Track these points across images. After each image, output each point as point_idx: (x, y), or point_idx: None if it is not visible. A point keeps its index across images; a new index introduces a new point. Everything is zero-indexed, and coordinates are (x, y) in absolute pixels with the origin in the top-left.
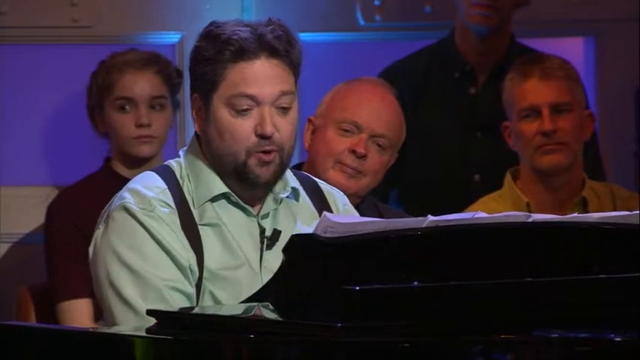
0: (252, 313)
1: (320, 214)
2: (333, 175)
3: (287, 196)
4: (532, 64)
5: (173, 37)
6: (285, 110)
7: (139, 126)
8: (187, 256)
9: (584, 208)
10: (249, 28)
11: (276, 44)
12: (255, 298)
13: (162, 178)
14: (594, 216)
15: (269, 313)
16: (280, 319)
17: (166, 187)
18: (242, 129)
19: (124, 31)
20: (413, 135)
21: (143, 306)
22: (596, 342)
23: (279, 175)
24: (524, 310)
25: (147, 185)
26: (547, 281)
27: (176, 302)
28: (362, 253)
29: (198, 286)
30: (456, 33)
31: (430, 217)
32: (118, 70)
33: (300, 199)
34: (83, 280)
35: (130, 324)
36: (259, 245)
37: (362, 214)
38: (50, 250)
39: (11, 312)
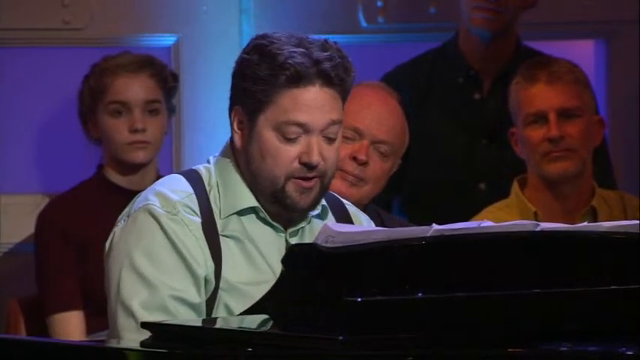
0: (251, 325)
1: None
2: (334, 182)
3: (314, 216)
4: (538, 67)
5: (168, 40)
6: (331, 141)
7: (133, 131)
8: (205, 265)
9: (594, 217)
10: (304, 50)
11: (333, 73)
12: (255, 309)
13: (189, 182)
14: (605, 225)
15: (268, 326)
16: (279, 331)
17: (193, 192)
18: (287, 155)
19: (118, 33)
20: (416, 142)
21: (145, 316)
22: (606, 355)
23: (318, 201)
24: (532, 323)
25: (173, 188)
26: (556, 292)
27: (180, 314)
28: (364, 264)
29: (214, 297)
30: (459, 36)
31: (435, 226)
32: (111, 74)
33: (327, 219)
34: (74, 291)
35: (130, 332)
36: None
37: None
38: (40, 261)
39: (0, 324)
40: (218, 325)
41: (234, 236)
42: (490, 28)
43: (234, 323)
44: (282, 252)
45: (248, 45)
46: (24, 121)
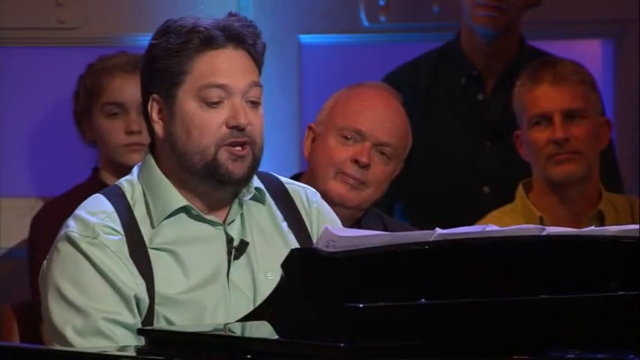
0: (250, 332)
1: (286, 219)
2: (334, 185)
3: (251, 198)
4: (543, 68)
5: None
6: (255, 105)
7: (130, 133)
8: (134, 284)
9: (601, 221)
10: (211, 20)
11: (243, 33)
12: (253, 315)
13: (109, 200)
14: (612, 229)
15: (267, 332)
16: (279, 338)
17: (114, 210)
18: (213, 121)
19: (113, 32)
20: (418, 144)
21: (80, 342)
22: None
23: (252, 171)
24: (538, 329)
25: (91, 211)
26: (562, 298)
27: (117, 335)
28: (366, 269)
29: (151, 313)
30: (462, 36)
31: (438, 231)
32: (107, 74)
33: (266, 203)
34: None
35: None
36: (226, 257)
37: (366, 228)
38: (35, 266)
39: None
40: (216, 332)
41: (165, 248)
42: (493, 26)
43: (232, 329)
44: (220, 247)
45: (154, 34)
46: (17, 122)
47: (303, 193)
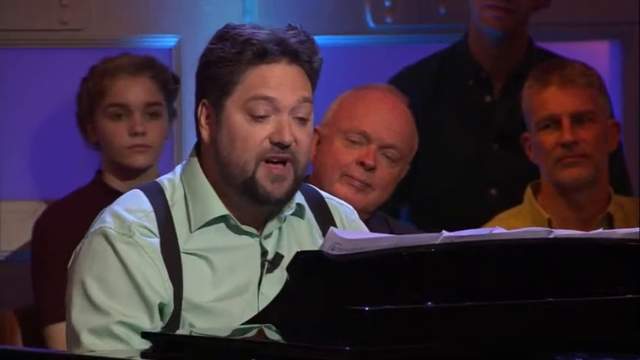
0: (255, 335)
1: (323, 234)
2: (340, 188)
3: (292, 214)
4: (551, 70)
5: (169, 41)
6: (303, 121)
7: (133, 134)
8: (162, 289)
9: (610, 224)
10: (268, 31)
11: (299, 49)
12: (258, 319)
13: (149, 199)
14: (620, 232)
15: (272, 336)
16: (284, 341)
17: (152, 209)
18: (257, 135)
19: (117, 33)
20: (425, 146)
21: (94, 342)
22: None
23: (292, 192)
24: (545, 332)
25: (130, 208)
26: (570, 302)
27: (132, 340)
28: (372, 272)
29: (176, 318)
30: (469, 37)
31: (444, 233)
32: (111, 76)
33: (305, 217)
34: None
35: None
36: (259, 269)
37: (372, 230)
38: (38, 269)
39: None
40: (222, 335)
41: (198, 253)
42: (501, 28)
43: (238, 333)
44: (254, 259)
45: (211, 38)
46: (20, 125)
47: (342, 210)
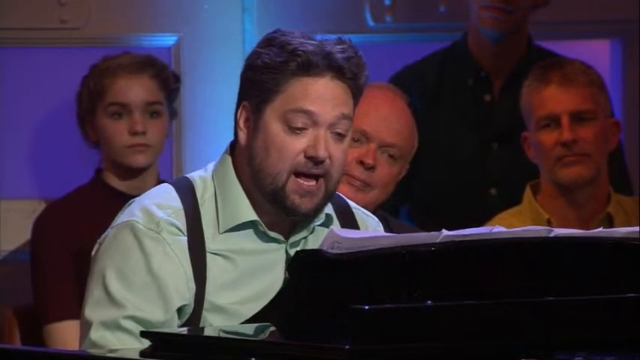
0: (254, 334)
1: None
2: (340, 187)
3: (319, 224)
4: (551, 69)
5: (169, 40)
6: (340, 137)
7: (133, 133)
8: (184, 287)
9: (610, 224)
10: (317, 43)
11: (345, 65)
12: (258, 318)
13: (179, 194)
14: (621, 231)
15: (272, 335)
16: (284, 340)
17: (182, 207)
18: (292, 147)
19: (116, 32)
20: (425, 146)
21: (105, 334)
22: None
23: (322, 206)
24: (545, 332)
25: (159, 204)
26: (570, 300)
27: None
28: (372, 270)
29: (196, 318)
30: (469, 36)
31: (444, 232)
32: (111, 74)
33: (332, 227)
34: (72, 300)
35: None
36: (284, 275)
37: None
38: (37, 269)
39: None
40: (221, 334)
41: (224, 254)
42: (499, 28)
43: (237, 332)
44: (280, 264)
45: (260, 40)
46: (20, 123)
47: (369, 221)
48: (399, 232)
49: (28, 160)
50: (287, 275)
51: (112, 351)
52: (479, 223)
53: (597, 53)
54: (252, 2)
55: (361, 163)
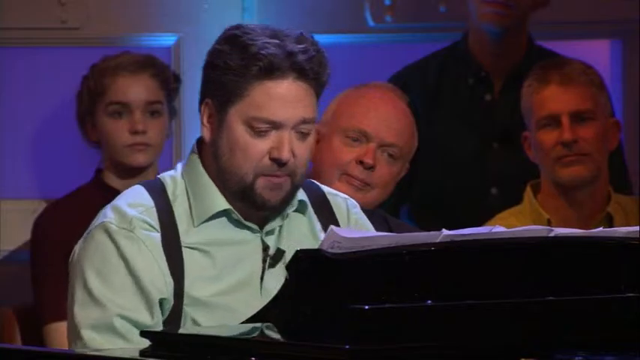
0: (254, 334)
1: (324, 229)
2: (339, 187)
3: (293, 210)
4: (551, 69)
5: (168, 39)
6: (304, 136)
7: (134, 133)
8: (162, 283)
9: (610, 223)
10: (278, 42)
11: (307, 66)
12: (257, 317)
13: (150, 194)
14: (621, 230)
15: (271, 334)
16: (283, 340)
17: (153, 205)
18: (256, 150)
19: (116, 32)
20: (425, 145)
21: (94, 337)
22: None
23: (288, 200)
24: (545, 331)
25: (131, 203)
26: (570, 300)
27: (132, 334)
28: (371, 270)
29: (176, 313)
30: (469, 36)
31: (444, 232)
32: (112, 74)
33: (306, 213)
34: None
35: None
36: (261, 264)
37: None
38: (37, 268)
39: None
40: (220, 334)
41: (200, 247)
42: (499, 23)
43: (236, 331)
44: (256, 254)
45: (221, 36)
46: (20, 123)
47: (344, 204)
48: (398, 232)
49: (28, 160)
50: (287, 275)
51: (111, 350)
52: (479, 223)
53: (597, 53)
54: (252, 2)
55: (361, 162)
